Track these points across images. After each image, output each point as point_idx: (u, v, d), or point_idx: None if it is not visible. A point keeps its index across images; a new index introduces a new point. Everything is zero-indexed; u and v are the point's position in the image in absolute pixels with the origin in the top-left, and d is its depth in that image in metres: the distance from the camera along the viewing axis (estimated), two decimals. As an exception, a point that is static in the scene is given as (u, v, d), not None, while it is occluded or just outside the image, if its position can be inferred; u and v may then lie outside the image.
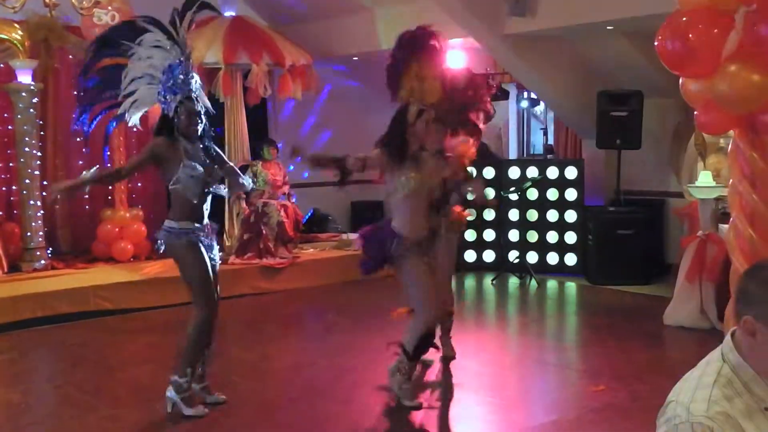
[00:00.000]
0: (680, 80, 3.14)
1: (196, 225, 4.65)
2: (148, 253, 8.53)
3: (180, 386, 4.67)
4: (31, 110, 8.09)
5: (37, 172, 8.19)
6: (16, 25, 7.88)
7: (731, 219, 3.11)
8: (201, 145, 4.73)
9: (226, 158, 5.02)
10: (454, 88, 5.54)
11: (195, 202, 4.61)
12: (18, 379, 5.74)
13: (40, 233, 8.18)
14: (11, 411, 4.94)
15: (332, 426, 4.65)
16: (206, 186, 4.67)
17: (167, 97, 4.66)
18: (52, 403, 5.21)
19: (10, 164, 8.49)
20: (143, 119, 5.13)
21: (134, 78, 4.75)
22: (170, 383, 4.70)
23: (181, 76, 4.66)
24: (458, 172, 5.16)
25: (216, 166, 4.76)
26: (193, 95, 4.68)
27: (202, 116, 4.71)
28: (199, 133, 4.70)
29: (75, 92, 5.06)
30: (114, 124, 5.54)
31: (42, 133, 8.47)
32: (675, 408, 1.78)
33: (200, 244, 4.66)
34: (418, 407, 4.84)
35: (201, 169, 4.62)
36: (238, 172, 5.14)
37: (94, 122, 5.24)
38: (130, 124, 5.06)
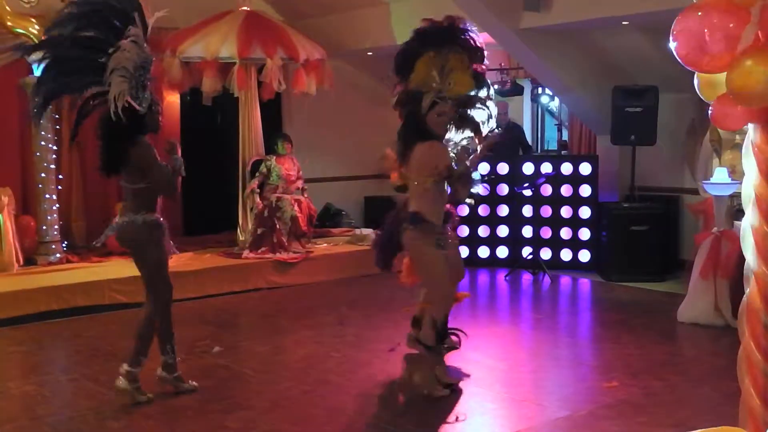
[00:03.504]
0: (695, 75, 3.12)
1: (161, 218, 4.89)
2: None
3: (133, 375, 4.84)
4: (47, 104, 8.13)
5: (52, 166, 8.24)
6: (32, 20, 7.92)
7: (745, 215, 3.09)
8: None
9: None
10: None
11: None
12: (34, 370, 5.79)
13: (56, 227, 8.24)
14: (27, 402, 4.99)
15: (345, 419, 4.66)
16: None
17: (140, 94, 4.69)
18: (67, 394, 5.26)
19: (26, 158, 8.54)
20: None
21: (113, 69, 4.65)
22: (122, 374, 4.82)
23: (149, 75, 4.77)
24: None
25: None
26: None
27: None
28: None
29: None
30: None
31: (57, 126, 8.51)
32: None
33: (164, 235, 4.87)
34: (451, 388, 4.98)
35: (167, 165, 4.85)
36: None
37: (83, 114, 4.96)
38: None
